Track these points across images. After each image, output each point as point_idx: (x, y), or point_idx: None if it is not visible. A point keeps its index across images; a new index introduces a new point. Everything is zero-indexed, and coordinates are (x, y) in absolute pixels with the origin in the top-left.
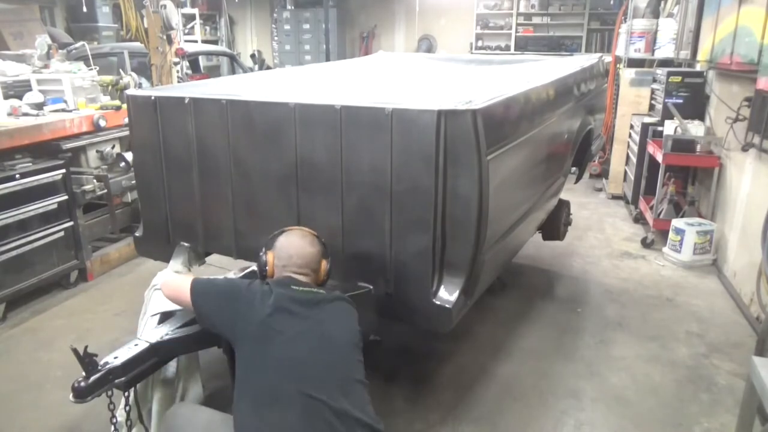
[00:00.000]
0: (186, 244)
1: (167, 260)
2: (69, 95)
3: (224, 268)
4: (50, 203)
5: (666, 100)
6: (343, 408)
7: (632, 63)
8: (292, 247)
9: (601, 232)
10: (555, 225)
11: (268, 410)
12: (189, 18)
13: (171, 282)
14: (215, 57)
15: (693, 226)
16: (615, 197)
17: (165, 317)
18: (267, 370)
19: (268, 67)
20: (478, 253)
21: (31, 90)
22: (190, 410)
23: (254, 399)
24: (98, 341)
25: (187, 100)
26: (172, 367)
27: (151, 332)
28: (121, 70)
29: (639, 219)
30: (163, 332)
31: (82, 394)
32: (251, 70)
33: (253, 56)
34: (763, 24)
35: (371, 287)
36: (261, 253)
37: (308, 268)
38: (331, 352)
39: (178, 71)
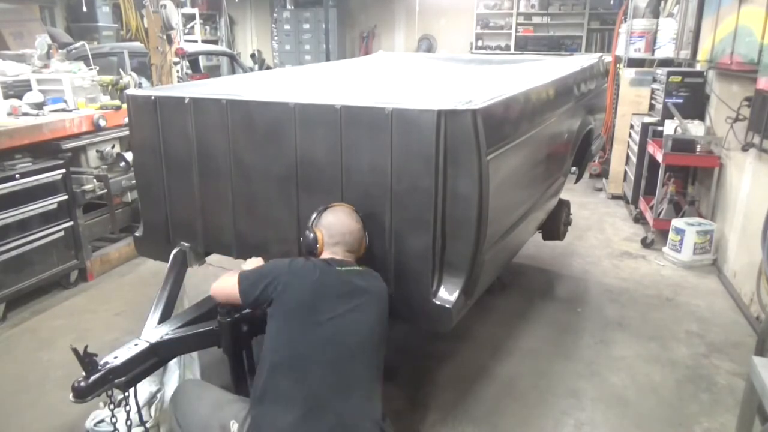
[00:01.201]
0: (186, 244)
1: (167, 260)
2: (69, 95)
3: (224, 268)
4: (50, 203)
5: (666, 100)
6: (345, 401)
7: (632, 63)
8: (344, 225)
9: (601, 232)
10: (555, 225)
11: (284, 378)
12: (189, 18)
13: (219, 284)
14: (215, 57)
15: (693, 226)
16: (615, 197)
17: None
18: (294, 343)
19: (268, 67)
20: (478, 253)
21: (31, 90)
22: (198, 387)
23: (275, 366)
24: (98, 341)
25: (187, 100)
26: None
27: (151, 332)
28: (121, 70)
29: (639, 219)
30: (163, 332)
31: (82, 394)
32: (251, 70)
33: (253, 56)
34: (763, 24)
35: None
36: (307, 231)
37: (356, 243)
38: (342, 349)
39: (178, 71)
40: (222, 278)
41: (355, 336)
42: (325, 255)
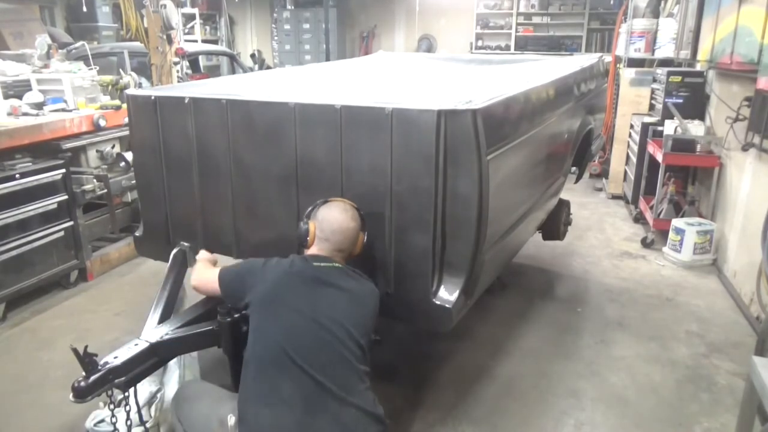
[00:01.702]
0: (186, 244)
1: (167, 260)
2: (69, 95)
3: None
4: (50, 203)
5: (666, 100)
6: (328, 387)
7: (632, 63)
8: (336, 222)
9: (601, 232)
10: (555, 225)
11: (266, 373)
12: (189, 18)
13: (200, 275)
14: (215, 57)
15: (693, 226)
16: (615, 197)
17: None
18: (269, 336)
19: (268, 67)
20: (478, 252)
21: (31, 90)
22: (199, 386)
23: (257, 363)
24: (98, 341)
25: (187, 100)
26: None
27: (151, 332)
28: (121, 70)
29: (639, 219)
30: (163, 332)
31: (82, 394)
32: (251, 69)
33: (253, 56)
34: (763, 24)
35: None
36: (302, 222)
37: (347, 242)
38: (323, 334)
39: (178, 71)
40: (199, 270)
41: (330, 329)
42: (314, 249)
